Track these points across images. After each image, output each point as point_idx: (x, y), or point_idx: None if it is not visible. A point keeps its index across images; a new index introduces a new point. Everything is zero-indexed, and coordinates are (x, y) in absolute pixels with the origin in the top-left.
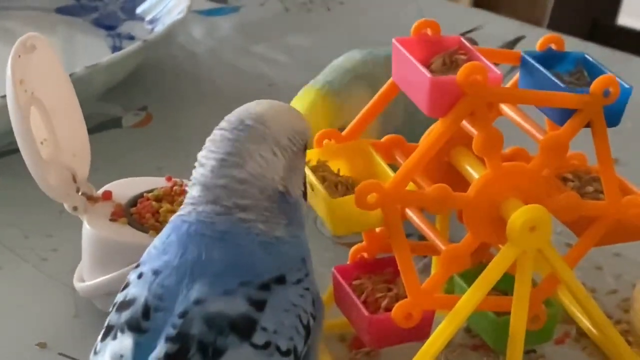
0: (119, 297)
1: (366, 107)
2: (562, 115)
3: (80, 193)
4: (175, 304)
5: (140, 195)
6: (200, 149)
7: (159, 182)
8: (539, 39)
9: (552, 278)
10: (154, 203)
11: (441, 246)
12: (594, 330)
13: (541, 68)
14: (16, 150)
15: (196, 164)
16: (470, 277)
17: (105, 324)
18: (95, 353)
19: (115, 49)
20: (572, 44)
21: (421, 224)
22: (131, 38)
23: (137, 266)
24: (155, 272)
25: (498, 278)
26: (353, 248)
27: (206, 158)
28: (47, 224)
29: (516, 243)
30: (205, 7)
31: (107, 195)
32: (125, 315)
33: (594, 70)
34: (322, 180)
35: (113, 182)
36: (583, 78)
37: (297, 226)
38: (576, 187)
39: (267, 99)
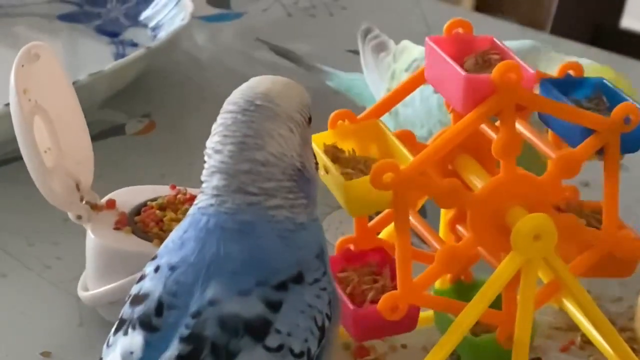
0: (134, 289)
1: (388, 95)
2: (578, 137)
3: (84, 202)
4: (190, 303)
5: (144, 204)
6: (204, 156)
7: (162, 191)
8: (543, 44)
9: (540, 294)
10: (157, 212)
11: (437, 246)
12: (598, 338)
13: (560, 94)
14: (20, 158)
15: (209, 151)
16: (448, 294)
17: (119, 316)
18: (108, 346)
19: (118, 55)
20: (575, 48)
21: (420, 227)
22: (134, 45)
23: (154, 258)
24: (172, 268)
25: (502, 287)
26: (340, 239)
27: (222, 144)
28: (51, 232)
29: (521, 251)
30: (209, 13)
31: (111, 204)
32: (138, 310)
33: (612, 96)
34: (335, 160)
35: (117, 190)
36: (602, 104)
37: (313, 204)
38: None
39: (263, 75)
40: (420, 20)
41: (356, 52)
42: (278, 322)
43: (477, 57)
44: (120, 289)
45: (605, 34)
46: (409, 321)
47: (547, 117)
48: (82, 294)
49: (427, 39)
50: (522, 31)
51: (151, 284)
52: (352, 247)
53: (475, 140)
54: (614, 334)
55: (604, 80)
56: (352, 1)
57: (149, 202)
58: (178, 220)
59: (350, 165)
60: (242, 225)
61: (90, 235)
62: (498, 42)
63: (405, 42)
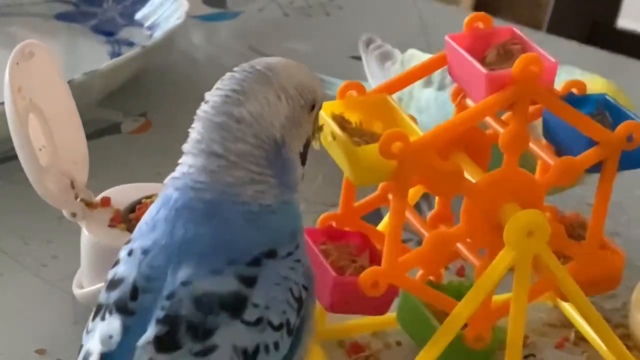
0: (110, 275)
1: (402, 74)
2: (583, 146)
3: (79, 199)
4: (164, 286)
5: (139, 201)
6: None
7: (157, 188)
8: (538, 43)
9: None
10: None
11: (425, 233)
12: (592, 335)
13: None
14: (15, 157)
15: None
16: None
17: (97, 302)
18: (87, 332)
19: (114, 54)
20: (572, 47)
21: (411, 217)
22: (130, 44)
23: (128, 242)
24: (145, 252)
25: (496, 283)
26: (323, 215)
27: (211, 94)
28: (46, 230)
29: (514, 247)
30: (205, 13)
31: (106, 202)
32: (114, 295)
33: (615, 112)
34: (342, 129)
35: (111, 188)
36: (605, 120)
37: (287, 189)
38: None
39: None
40: (417, 19)
41: (354, 57)
42: (254, 297)
43: (498, 48)
44: None
45: (601, 33)
46: (382, 304)
47: (552, 124)
48: (77, 291)
49: (446, 37)
50: (520, 31)
51: (125, 268)
52: (334, 224)
53: (471, 138)
54: (607, 330)
55: (607, 97)
56: (348, 1)
57: (143, 200)
58: None
59: (356, 135)
60: (208, 206)
61: (85, 233)
62: (517, 32)
63: (413, 51)
